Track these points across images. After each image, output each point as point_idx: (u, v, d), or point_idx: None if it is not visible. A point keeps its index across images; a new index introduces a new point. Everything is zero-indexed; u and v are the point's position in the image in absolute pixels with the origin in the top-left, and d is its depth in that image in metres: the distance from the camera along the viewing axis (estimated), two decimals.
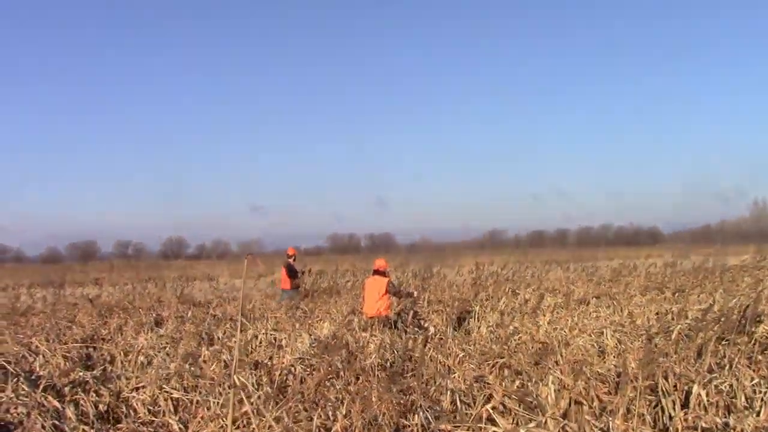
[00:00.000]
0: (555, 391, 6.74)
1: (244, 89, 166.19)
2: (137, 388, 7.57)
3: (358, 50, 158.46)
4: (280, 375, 7.98)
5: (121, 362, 8.94)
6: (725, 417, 6.14)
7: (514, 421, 6.14)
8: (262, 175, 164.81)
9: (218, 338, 10.68)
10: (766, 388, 6.60)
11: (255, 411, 6.21)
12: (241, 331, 11.29)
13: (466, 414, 6.44)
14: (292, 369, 8.25)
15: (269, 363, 8.65)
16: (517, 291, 15.81)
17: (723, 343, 8.07)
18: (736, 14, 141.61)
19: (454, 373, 7.79)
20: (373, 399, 6.49)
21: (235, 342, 10.03)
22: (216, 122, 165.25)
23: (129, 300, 17.30)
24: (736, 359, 7.33)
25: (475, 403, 6.62)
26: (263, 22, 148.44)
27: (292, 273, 16.81)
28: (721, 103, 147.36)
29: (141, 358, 9.01)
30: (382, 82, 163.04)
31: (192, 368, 8.13)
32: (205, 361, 8.59)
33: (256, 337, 10.43)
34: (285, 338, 10.27)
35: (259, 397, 6.80)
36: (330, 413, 6.32)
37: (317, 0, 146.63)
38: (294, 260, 17.07)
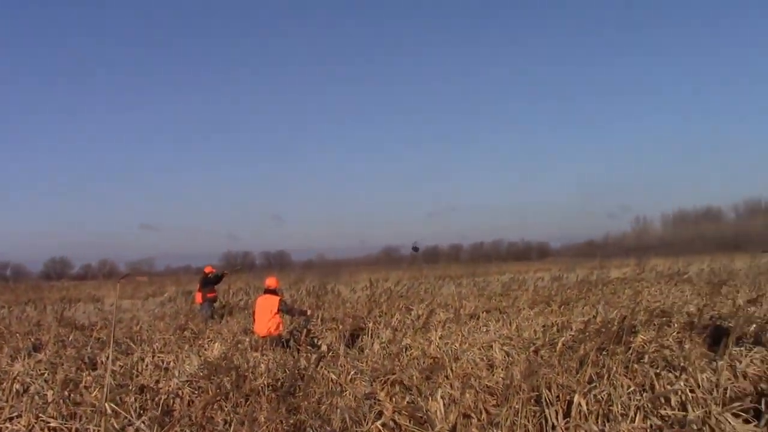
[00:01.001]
0: (444, 405, 6.82)
1: (134, 104, 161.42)
2: (11, 418, 7.15)
3: (248, 62, 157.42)
4: (166, 398, 7.73)
5: None
6: (603, 425, 6.40)
7: None
8: (154, 193, 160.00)
9: (101, 362, 10.22)
10: (641, 395, 6.92)
11: None
12: (126, 354, 10.89)
13: None
14: (180, 392, 8.01)
15: (155, 386, 8.36)
16: (410, 307, 15.97)
17: (603, 353, 8.42)
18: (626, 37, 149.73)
19: (346, 390, 7.77)
20: (262, 420, 6.38)
21: (118, 366, 9.66)
22: (104, 138, 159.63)
23: (5, 324, 16.31)
24: (615, 368, 7.67)
25: (365, 420, 6.62)
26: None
27: (206, 285, 17.46)
28: (609, 125, 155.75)
29: (16, 385, 8.49)
30: (275, 100, 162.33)
31: (71, 395, 7.74)
32: (86, 387, 8.20)
33: (142, 359, 10.06)
34: (173, 360, 9.96)
35: (143, 422, 6.56)
36: None
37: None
38: (215, 277, 17.90)
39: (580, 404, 6.65)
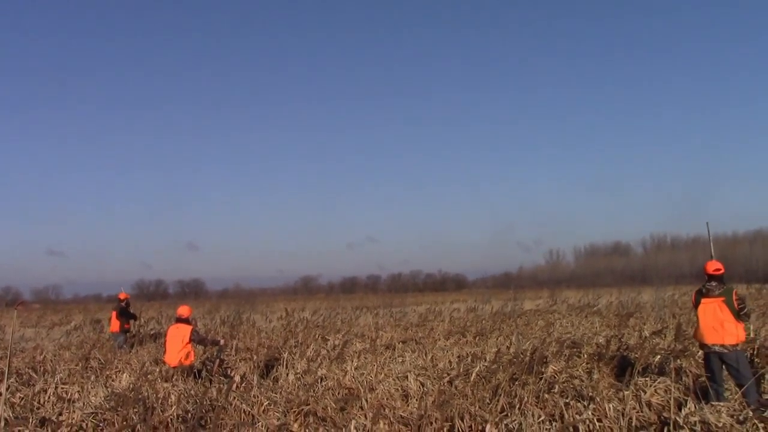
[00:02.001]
0: None
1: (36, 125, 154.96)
2: None
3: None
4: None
5: None
6: None
7: None
8: (62, 218, 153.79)
9: None
10: (551, 424, 7.05)
11: None
12: (27, 384, 10.35)
13: None
14: (83, 425, 7.66)
15: (57, 419, 7.97)
16: (326, 337, 15.85)
17: (515, 383, 8.54)
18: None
19: (258, 421, 7.60)
20: None
21: (18, 397, 9.17)
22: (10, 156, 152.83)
23: None
24: (526, 398, 7.79)
25: None
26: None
27: (123, 315, 16.82)
28: (523, 159, 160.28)
29: None
30: (184, 123, 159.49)
31: None
32: None
33: (45, 391, 9.59)
34: (77, 391, 9.54)
35: None
36: None
37: None
38: (127, 305, 17.25)
39: None
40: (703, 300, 8.11)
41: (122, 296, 17.18)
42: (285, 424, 7.42)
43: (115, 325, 16.90)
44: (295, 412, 7.92)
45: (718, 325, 7.88)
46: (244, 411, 8.07)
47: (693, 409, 6.92)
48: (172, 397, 8.54)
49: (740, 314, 7.92)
